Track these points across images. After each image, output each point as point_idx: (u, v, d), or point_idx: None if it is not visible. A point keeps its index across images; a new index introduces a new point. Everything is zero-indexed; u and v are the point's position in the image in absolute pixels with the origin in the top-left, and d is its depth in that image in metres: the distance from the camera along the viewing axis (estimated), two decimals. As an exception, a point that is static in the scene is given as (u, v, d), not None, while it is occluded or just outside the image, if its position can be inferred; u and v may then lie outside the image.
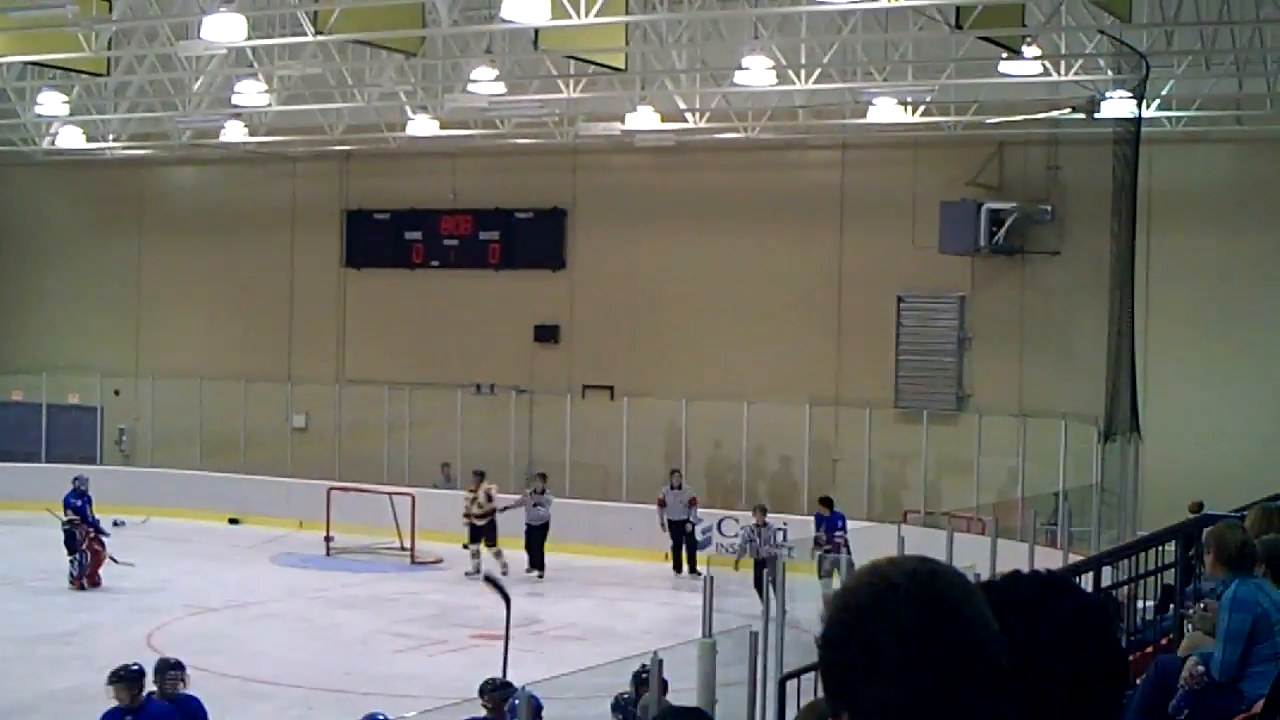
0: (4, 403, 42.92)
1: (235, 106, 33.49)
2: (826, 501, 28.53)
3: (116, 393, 41.55)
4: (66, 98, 34.51)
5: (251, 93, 31.93)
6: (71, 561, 29.02)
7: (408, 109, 33.93)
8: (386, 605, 28.28)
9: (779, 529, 29.49)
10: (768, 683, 15.65)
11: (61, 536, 29.31)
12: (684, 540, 31.68)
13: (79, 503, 29.56)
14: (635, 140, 34.56)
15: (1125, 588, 14.86)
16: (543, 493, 31.88)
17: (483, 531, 31.03)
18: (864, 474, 33.50)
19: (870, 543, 23.96)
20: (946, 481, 32.63)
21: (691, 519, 31.71)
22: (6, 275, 43.88)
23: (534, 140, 35.73)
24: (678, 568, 31.51)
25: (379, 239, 39.14)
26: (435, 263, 38.40)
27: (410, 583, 30.82)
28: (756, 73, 28.29)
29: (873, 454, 33.61)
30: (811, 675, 15.24)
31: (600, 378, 36.41)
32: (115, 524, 31.28)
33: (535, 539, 31.48)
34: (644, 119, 32.57)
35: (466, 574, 30.29)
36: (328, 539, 33.40)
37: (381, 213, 39.14)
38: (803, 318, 34.57)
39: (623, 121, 33.02)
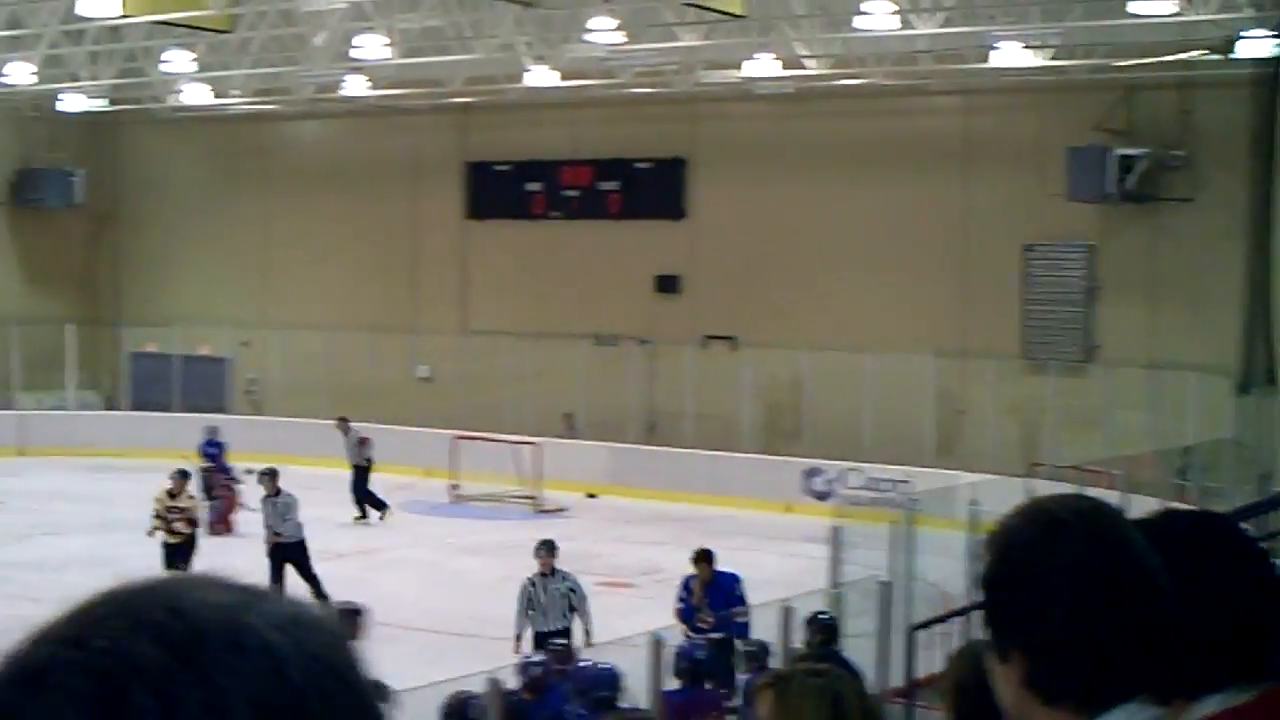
0: (138, 354, 43.60)
1: (356, 60, 33.65)
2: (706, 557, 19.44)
3: (245, 344, 42.04)
4: (193, 55, 34.85)
5: (372, 46, 32.07)
6: (208, 507, 29.51)
7: (526, 60, 33.97)
8: (512, 552, 28.34)
9: (900, 480, 29.35)
10: (895, 633, 15.63)
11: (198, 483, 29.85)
12: None
13: (213, 450, 30.11)
14: (755, 88, 34.46)
15: (1264, 544, 14.65)
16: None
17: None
18: (989, 426, 33.21)
19: (998, 496, 23.73)
20: (1074, 434, 32.18)
21: None
22: (138, 231, 44.50)
23: (653, 89, 35.63)
24: None
25: (500, 190, 39.26)
26: (556, 213, 38.48)
27: (535, 530, 30.77)
28: (878, 17, 28.05)
29: (998, 406, 33.32)
30: (942, 625, 15.28)
31: (721, 328, 36.37)
32: (247, 472, 31.65)
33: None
34: (764, 66, 32.44)
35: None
36: (453, 487, 33.72)
37: (502, 164, 39.25)
38: (926, 267, 34.30)
39: (742, 69, 32.92)
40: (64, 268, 44.42)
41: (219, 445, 30.47)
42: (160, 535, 24.25)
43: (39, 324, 41.63)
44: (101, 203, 44.38)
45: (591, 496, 34.37)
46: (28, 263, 43.65)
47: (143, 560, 26.97)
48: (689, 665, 13.57)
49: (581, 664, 13.54)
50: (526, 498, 33.19)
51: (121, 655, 1.18)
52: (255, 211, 42.61)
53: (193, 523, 24.52)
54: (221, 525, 29.42)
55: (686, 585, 18.80)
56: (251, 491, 30.32)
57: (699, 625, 17.28)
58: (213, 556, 26.93)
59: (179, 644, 1.19)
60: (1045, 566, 2.30)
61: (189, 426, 34.51)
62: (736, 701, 13.79)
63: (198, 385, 41.74)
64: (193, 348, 42.26)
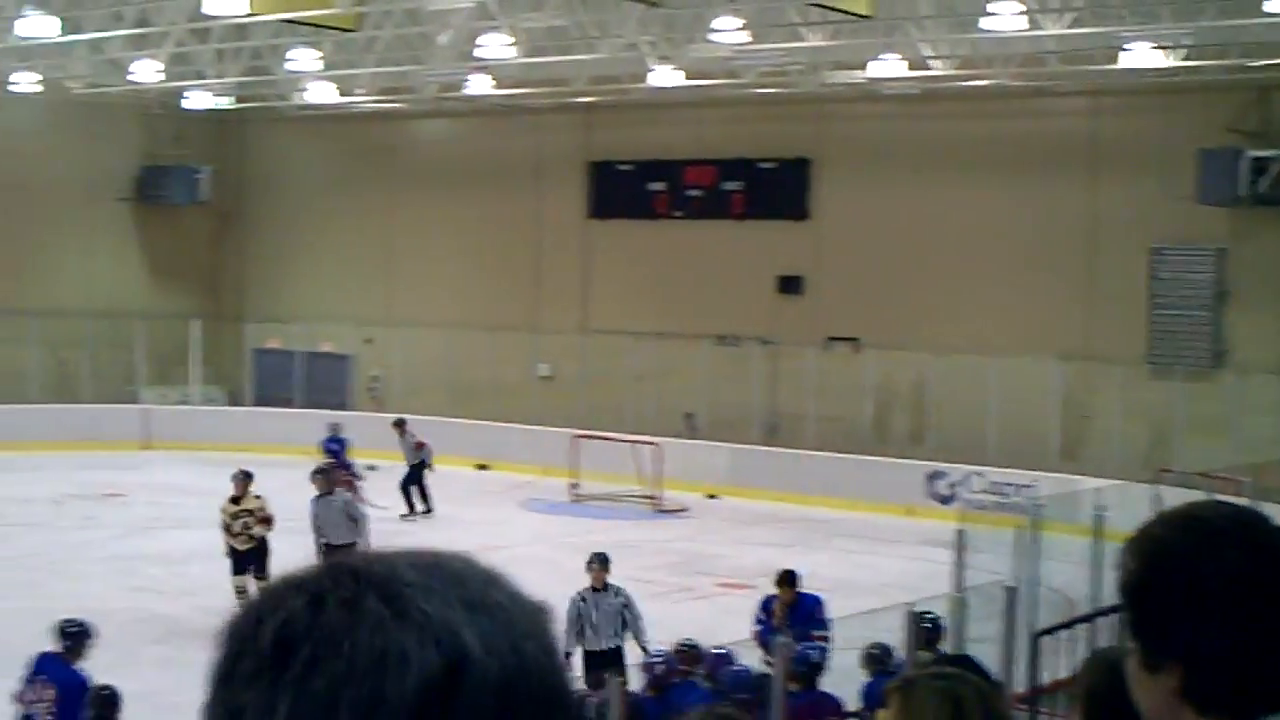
0: (262, 350, 44.03)
1: (480, 60, 33.75)
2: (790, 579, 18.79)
3: (368, 341, 42.35)
4: (318, 53, 35.09)
5: (496, 45, 32.13)
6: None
7: (650, 60, 33.93)
8: (631, 552, 28.33)
9: (1025, 485, 29.05)
10: (1018, 639, 15.41)
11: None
12: None
13: (335, 447, 30.31)
14: (880, 88, 34.27)
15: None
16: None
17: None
18: (1114, 431, 32.79)
19: (1123, 502, 23.46)
20: (1200, 440, 31.67)
21: None
22: (263, 228, 44.91)
23: (777, 89, 35.54)
24: None
25: (623, 190, 39.26)
26: (679, 213, 38.43)
27: (655, 530, 30.98)
28: (1006, 18, 27.78)
29: (1123, 411, 32.89)
30: (1065, 631, 15.06)
31: (844, 329, 36.17)
32: (369, 468, 31.87)
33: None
34: (889, 67, 32.25)
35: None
36: (573, 486, 33.76)
37: (625, 163, 39.25)
38: (1051, 270, 33.91)
39: (867, 69, 32.72)
40: (189, 264, 44.91)
41: (341, 441, 30.68)
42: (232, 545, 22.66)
43: (164, 319, 42.11)
44: (226, 200, 44.85)
45: (712, 497, 34.30)
46: (153, 259, 44.16)
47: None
48: (807, 669, 13.45)
49: (735, 668, 13.40)
50: (646, 497, 33.16)
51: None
52: (379, 209, 42.86)
53: (266, 521, 22.60)
54: (342, 521, 29.60)
55: (767, 606, 17.97)
56: (372, 487, 30.60)
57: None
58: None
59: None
60: (1204, 576, 2.22)
61: (311, 423, 34.78)
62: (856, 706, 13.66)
63: (320, 382, 42.10)
64: (315, 344, 42.63)
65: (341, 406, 39.81)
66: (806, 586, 25.54)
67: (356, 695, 1.26)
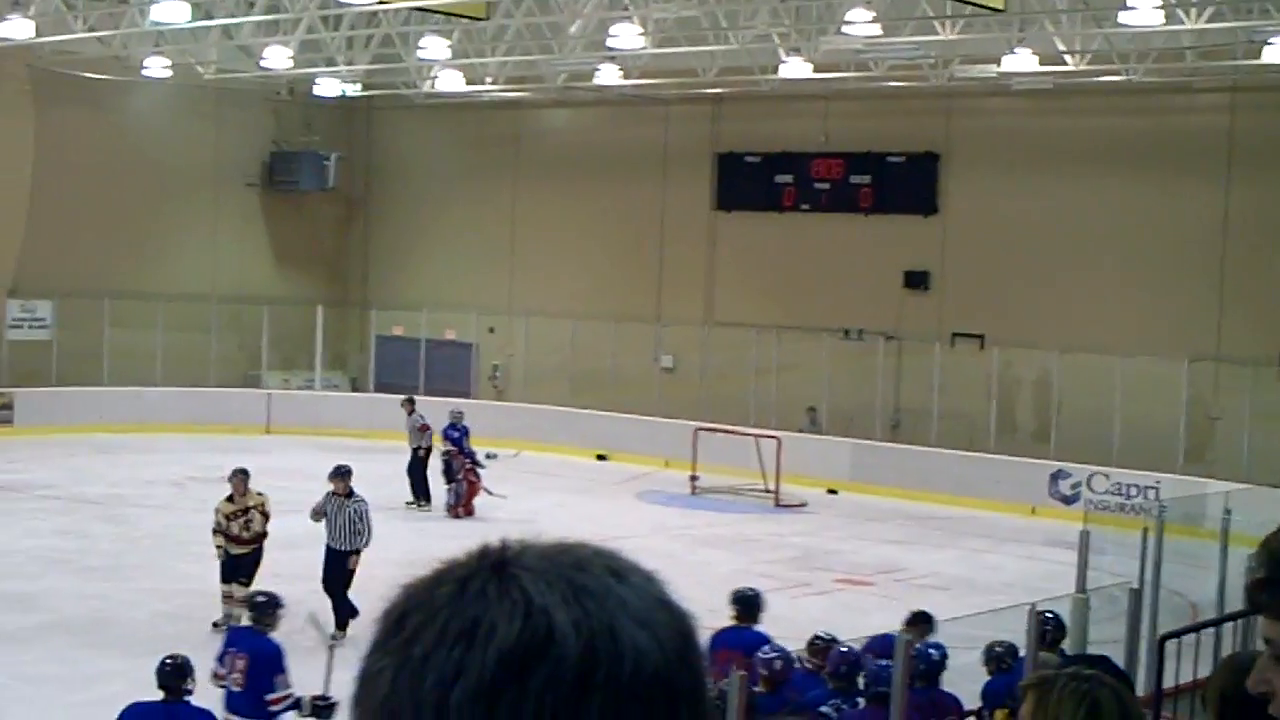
0: (386, 338, 44.23)
1: (610, 50, 33.67)
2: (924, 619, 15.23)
3: (491, 330, 42.46)
4: (448, 41, 35.16)
5: (626, 36, 32.04)
6: (448, 490, 29.88)
7: (781, 51, 33.71)
8: (750, 546, 28.29)
9: (1150, 487, 28.63)
10: (1140, 642, 15.14)
11: (439, 466, 30.15)
12: None
13: (456, 435, 30.35)
14: (1012, 83, 33.85)
15: None
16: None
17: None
18: (1242, 434, 32.20)
19: (1253, 506, 23.03)
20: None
21: None
22: (388, 215, 45.12)
23: (907, 83, 35.22)
24: None
25: (750, 182, 39.08)
26: (805, 206, 38.19)
27: (774, 524, 30.80)
28: (1143, 12, 27.29)
29: (1253, 414, 32.28)
30: (1192, 636, 14.76)
31: (970, 325, 35.79)
32: (488, 456, 31.91)
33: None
34: (1022, 61, 31.80)
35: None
36: (693, 478, 33.63)
37: (752, 155, 39.07)
38: (1182, 269, 33.36)
39: (999, 64, 32.34)
40: (314, 250, 45.21)
41: (462, 430, 30.71)
42: (226, 549, 20.84)
43: (288, 305, 42.42)
44: (353, 187, 45.13)
45: (832, 493, 34.07)
46: (279, 244, 44.50)
47: (385, 540, 27.38)
48: (926, 667, 13.23)
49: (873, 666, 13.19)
50: (766, 491, 32.96)
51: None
52: (504, 198, 42.92)
53: (265, 517, 21.06)
54: (463, 509, 29.71)
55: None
56: (492, 476, 30.63)
57: None
58: (452, 540, 27.22)
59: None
60: None
61: (432, 410, 34.83)
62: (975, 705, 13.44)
63: (442, 369, 42.24)
64: (439, 332, 42.77)
65: (463, 395, 39.88)
66: (925, 584, 25.42)
67: (442, 661, 1.33)
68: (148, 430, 37.75)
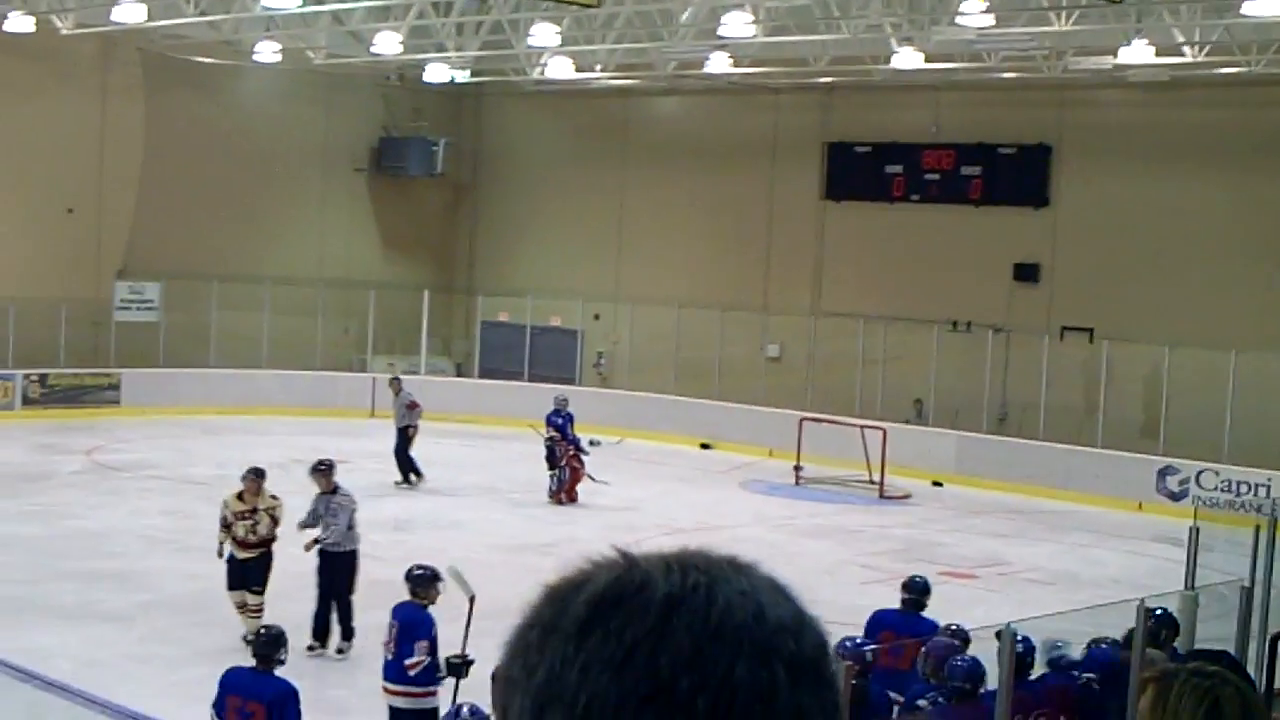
0: (491, 323, 44.34)
1: (720, 38, 33.52)
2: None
3: (596, 317, 42.46)
4: (558, 28, 35.13)
5: (737, 24, 31.87)
6: (551, 477, 29.88)
7: (893, 41, 33.45)
8: (853, 537, 28.12)
9: (1261, 484, 28.19)
10: (1250, 641, 14.93)
11: (543, 452, 30.17)
12: None
13: (560, 421, 30.34)
14: (1127, 75, 33.41)
15: None
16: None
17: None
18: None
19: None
20: None
21: None
22: (496, 201, 45.21)
23: (1020, 74, 34.87)
24: None
25: (859, 172, 38.86)
26: (915, 197, 37.91)
27: (878, 516, 30.60)
28: (1265, 1, 26.84)
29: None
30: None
31: (1080, 319, 35.39)
32: (592, 443, 31.89)
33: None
34: (1137, 53, 31.35)
35: None
36: (797, 468, 33.47)
37: (862, 145, 38.82)
38: (1300, 265, 32.90)
39: (1115, 55, 31.92)
40: (422, 235, 45.37)
41: (566, 416, 30.70)
42: (228, 550, 18.88)
43: (395, 290, 42.57)
44: (461, 172, 45.23)
45: (937, 484, 33.82)
46: (386, 229, 44.70)
47: (488, 525, 27.48)
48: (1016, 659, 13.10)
49: (956, 659, 13.04)
50: (871, 483, 32.76)
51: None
52: (612, 186, 42.89)
53: (274, 521, 18.92)
54: (565, 495, 29.70)
55: None
56: (595, 463, 30.60)
57: None
58: (555, 526, 27.29)
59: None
60: None
61: (537, 396, 34.93)
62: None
63: (547, 356, 42.28)
64: (544, 319, 42.82)
65: (568, 381, 39.90)
66: (1029, 578, 25.18)
67: (632, 662, 1.39)
68: (253, 412, 38.03)
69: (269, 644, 12.60)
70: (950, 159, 37.42)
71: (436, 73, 40.79)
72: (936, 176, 37.54)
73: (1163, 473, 32.21)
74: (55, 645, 16.20)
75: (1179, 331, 33.36)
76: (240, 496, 18.94)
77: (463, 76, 41.62)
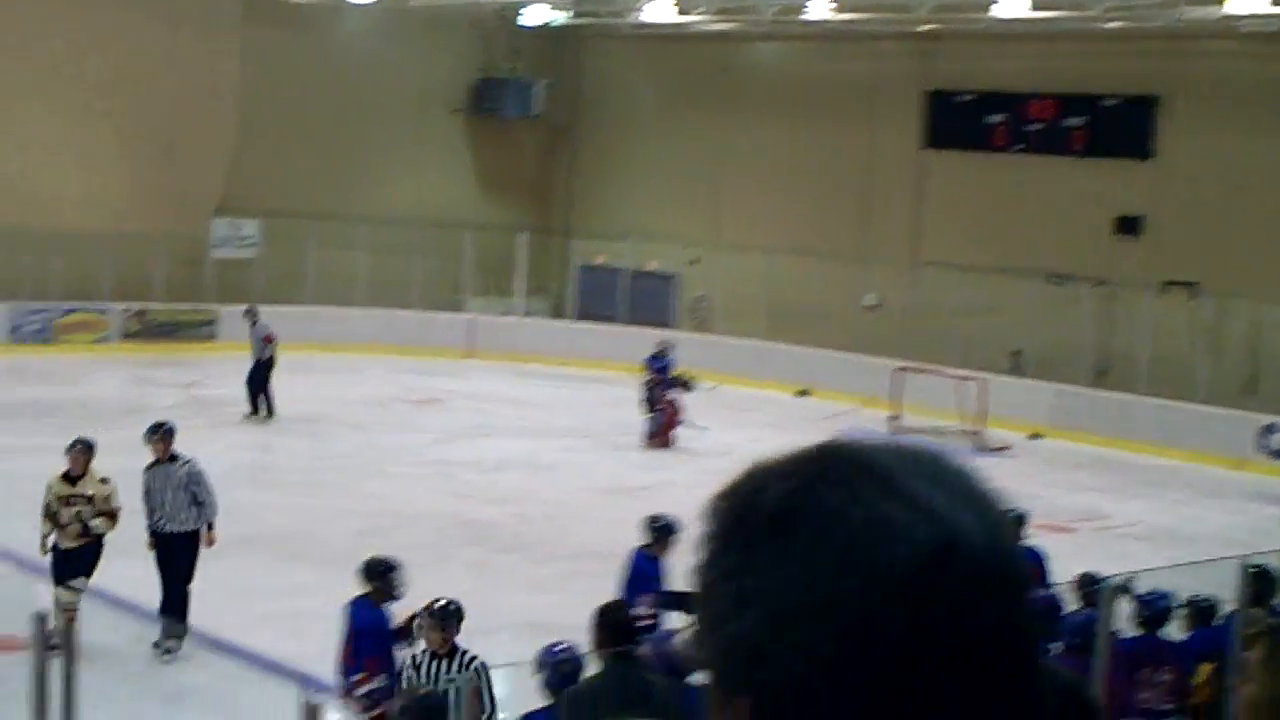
0: (586, 266, 44.30)
1: (824, -17, 33.27)
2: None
3: (693, 262, 42.26)
4: (659, -29, 34.96)
5: (840, -31, 31.62)
6: (648, 420, 29.79)
7: (997, -12, 33.07)
8: (949, 489, 27.87)
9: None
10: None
11: (639, 395, 30.10)
12: None
13: (658, 365, 30.24)
14: (1237, 25, 32.86)
15: None
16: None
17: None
18: None
19: None
20: None
21: None
22: (595, 145, 45.08)
23: (1127, 24, 34.35)
24: None
25: (960, 121, 38.45)
26: (1017, 147, 37.50)
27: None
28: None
29: None
30: None
31: (1182, 273, 34.91)
32: (696, 385, 31.79)
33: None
34: (1250, 3, 30.87)
35: None
36: (893, 417, 33.24)
37: (964, 94, 38.40)
38: None
39: (1223, 4, 31.42)
40: (518, 177, 45.28)
41: (665, 360, 30.60)
42: (52, 539, 15.86)
43: (492, 231, 42.59)
44: (558, 115, 45.05)
45: (1035, 437, 33.50)
46: (483, 171, 44.68)
47: (581, 468, 27.47)
48: (1151, 614, 12.89)
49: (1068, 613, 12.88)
50: (968, 433, 32.48)
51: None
52: (710, 131, 42.64)
53: (111, 516, 15.96)
54: (661, 439, 29.66)
55: None
56: (691, 408, 30.49)
57: None
58: (650, 470, 27.26)
59: None
60: None
61: (632, 340, 34.85)
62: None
63: (643, 300, 42.17)
64: (641, 263, 42.67)
65: (664, 325, 39.77)
66: (1128, 533, 24.92)
67: (859, 564, 1.34)
68: (350, 350, 38.17)
69: (382, 570, 12.85)
70: (1053, 109, 36.98)
71: (535, 14, 40.68)
72: (1039, 126, 37.11)
73: (1265, 430, 31.79)
74: (151, 577, 16.26)
75: (1282, 287, 32.91)
76: (66, 476, 15.99)
77: (562, 18, 41.48)
